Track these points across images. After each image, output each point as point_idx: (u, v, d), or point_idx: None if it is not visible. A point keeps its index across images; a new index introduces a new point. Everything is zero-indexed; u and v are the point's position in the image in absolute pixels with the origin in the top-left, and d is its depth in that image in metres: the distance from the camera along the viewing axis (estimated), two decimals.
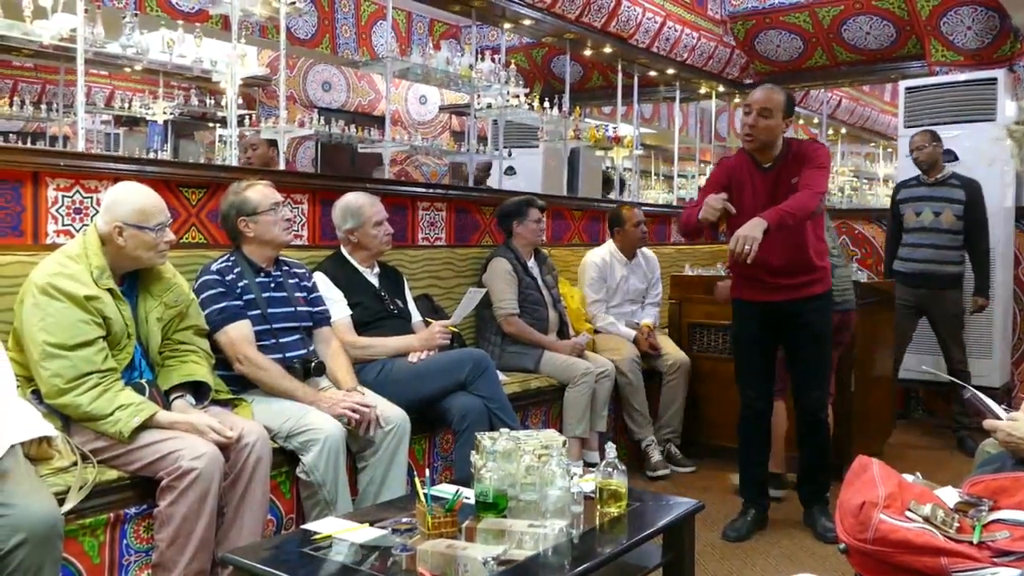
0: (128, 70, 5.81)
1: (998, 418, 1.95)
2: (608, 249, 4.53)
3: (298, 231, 3.51)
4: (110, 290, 2.35)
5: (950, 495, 1.75)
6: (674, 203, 7.96)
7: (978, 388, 2.24)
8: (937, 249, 4.68)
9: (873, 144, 11.21)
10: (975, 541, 1.56)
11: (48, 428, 2.13)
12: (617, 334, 4.36)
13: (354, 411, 2.71)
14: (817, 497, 3.37)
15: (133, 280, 2.50)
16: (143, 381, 2.43)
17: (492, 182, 6.07)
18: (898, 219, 4.87)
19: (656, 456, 4.12)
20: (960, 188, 4.66)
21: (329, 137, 5.59)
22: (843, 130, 9.73)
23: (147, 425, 2.27)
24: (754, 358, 3.34)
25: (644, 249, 4.65)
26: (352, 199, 3.32)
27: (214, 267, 2.82)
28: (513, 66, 5.67)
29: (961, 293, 4.74)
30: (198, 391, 2.53)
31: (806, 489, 3.40)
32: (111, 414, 2.24)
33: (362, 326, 3.21)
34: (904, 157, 5.21)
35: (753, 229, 2.82)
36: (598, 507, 2.20)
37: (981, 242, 4.70)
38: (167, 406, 2.42)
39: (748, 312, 3.32)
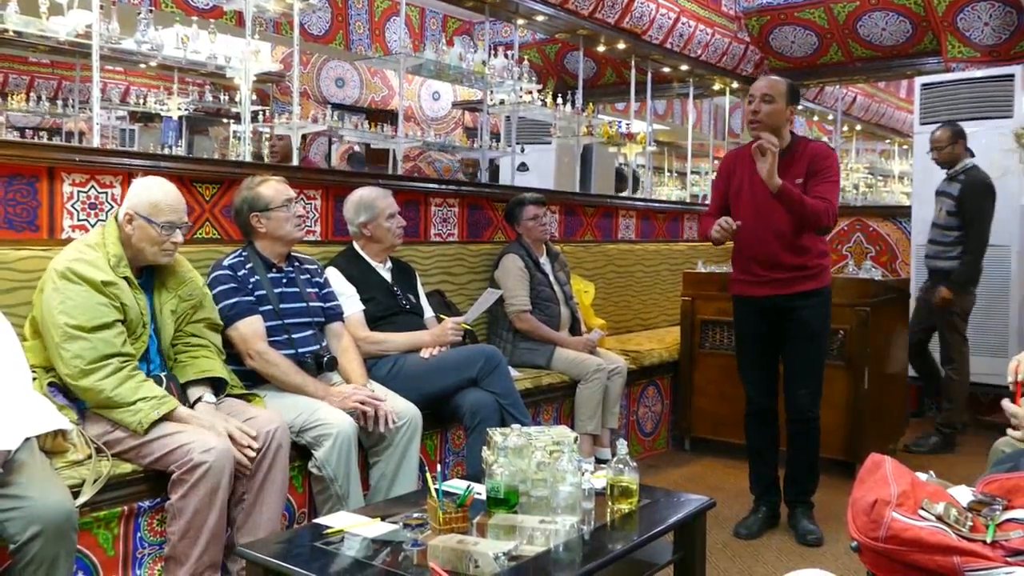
0: (143, 66, 5.83)
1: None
2: None
3: (311, 227, 3.52)
4: (127, 278, 2.38)
5: (963, 494, 1.74)
6: (687, 200, 7.94)
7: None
8: None
9: (888, 141, 11.12)
10: (988, 540, 1.54)
11: (63, 421, 2.14)
12: None
13: (364, 404, 2.72)
14: (802, 499, 3.33)
15: (149, 273, 2.53)
16: (162, 375, 2.45)
17: (504, 178, 6.07)
18: None
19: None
20: None
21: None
22: (858, 126, 9.66)
23: (164, 418, 2.29)
24: (754, 356, 3.33)
25: None
26: (364, 193, 3.33)
27: (226, 263, 2.83)
28: (526, 62, 5.66)
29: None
30: (214, 386, 2.55)
31: (792, 490, 3.35)
32: (133, 403, 2.26)
33: (374, 321, 3.22)
34: (924, 154, 5.18)
35: (772, 172, 2.94)
36: (609, 503, 2.20)
37: None
38: (184, 400, 2.45)
39: (745, 308, 3.32)
